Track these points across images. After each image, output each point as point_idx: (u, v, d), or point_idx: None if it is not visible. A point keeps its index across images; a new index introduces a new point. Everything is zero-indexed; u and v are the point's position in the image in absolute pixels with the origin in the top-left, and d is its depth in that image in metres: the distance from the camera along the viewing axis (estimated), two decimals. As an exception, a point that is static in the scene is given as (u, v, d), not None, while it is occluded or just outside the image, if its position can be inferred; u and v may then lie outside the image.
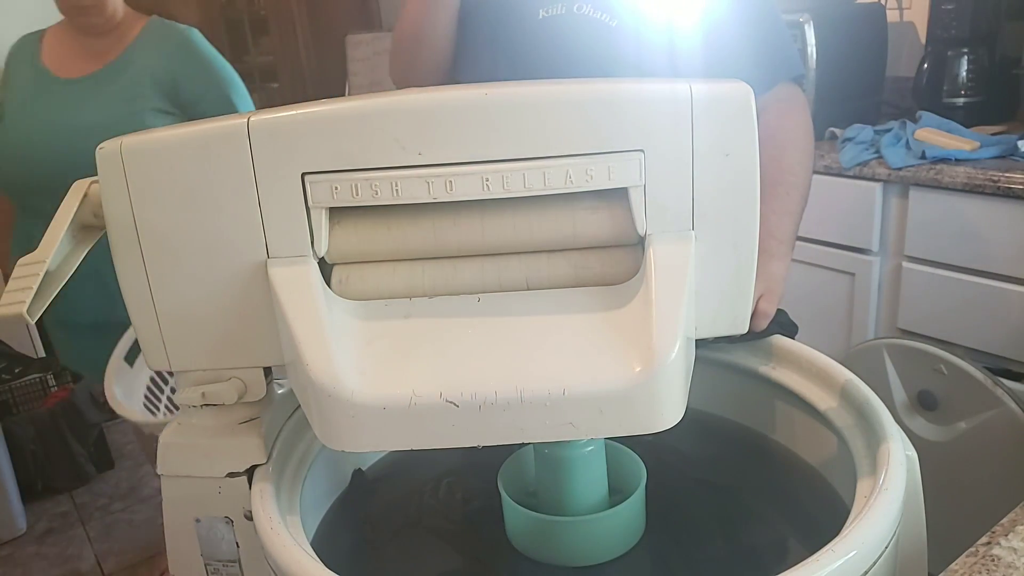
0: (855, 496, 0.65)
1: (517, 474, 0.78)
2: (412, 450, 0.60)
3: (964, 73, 1.81)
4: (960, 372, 1.48)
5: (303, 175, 0.62)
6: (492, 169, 0.61)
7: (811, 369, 0.82)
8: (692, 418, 0.62)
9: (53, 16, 1.61)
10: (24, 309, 0.63)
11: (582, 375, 0.58)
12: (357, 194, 0.62)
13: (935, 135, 1.64)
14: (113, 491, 2.34)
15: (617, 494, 0.74)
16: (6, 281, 0.67)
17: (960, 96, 1.82)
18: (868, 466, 0.68)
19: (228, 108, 1.57)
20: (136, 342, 1.60)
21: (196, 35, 1.61)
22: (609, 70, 0.95)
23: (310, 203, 0.63)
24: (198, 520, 0.74)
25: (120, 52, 1.57)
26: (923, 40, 2.00)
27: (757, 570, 0.74)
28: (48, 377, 2.43)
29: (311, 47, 4.08)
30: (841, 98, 1.89)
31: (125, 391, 1.51)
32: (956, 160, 1.57)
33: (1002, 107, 1.80)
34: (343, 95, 0.80)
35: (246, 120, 0.62)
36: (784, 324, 0.91)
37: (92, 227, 0.70)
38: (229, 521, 0.73)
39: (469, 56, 1.06)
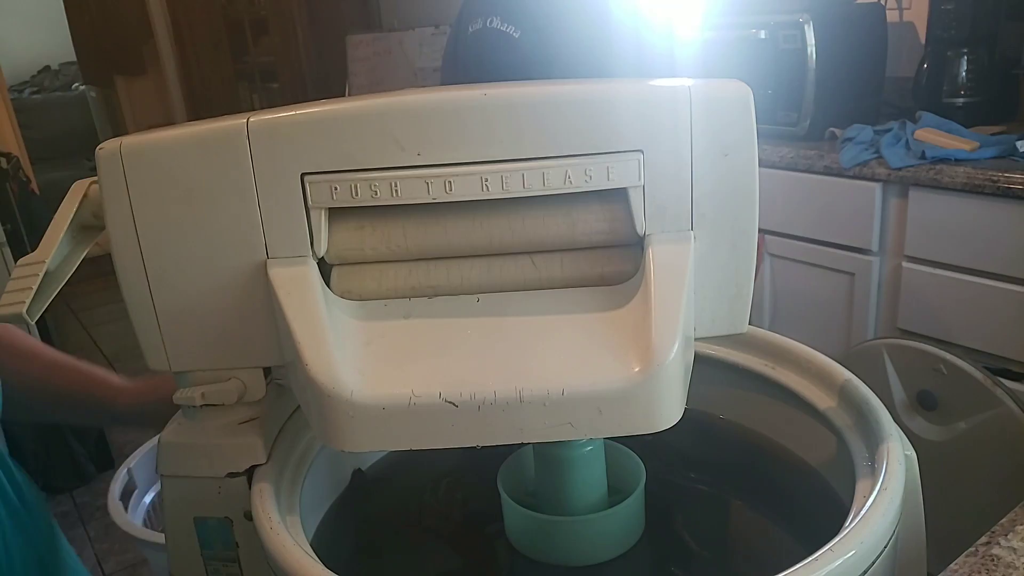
0: (854, 496, 0.65)
1: (517, 474, 0.78)
2: (412, 450, 0.60)
3: (964, 73, 1.81)
4: (960, 372, 1.48)
5: (302, 175, 0.62)
6: (491, 169, 0.61)
7: (811, 369, 0.82)
8: (692, 418, 0.62)
9: (53, 15, 1.59)
10: (24, 310, 0.63)
11: (581, 375, 0.58)
12: (356, 194, 0.62)
13: (935, 135, 1.64)
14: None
15: (617, 494, 0.74)
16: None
17: (960, 96, 1.82)
18: (867, 466, 0.68)
19: None
20: (125, 488, 1.63)
21: None
22: (516, 75, 1.02)
23: (309, 203, 0.63)
24: (198, 520, 0.75)
25: None
26: (923, 40, 2.00)
27: (756, 570, 0.74)
28: (48, 377, 2.43)
29: (311, 47, 4.08)
30: (841, 98, 1.89)
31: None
32: (956, 160, 1.57)
33: (1002, 107, 1.80)
34: (343, 95, 0.80)
35: (245, 120, 0.62)
36: None
37: (92, 227, 0.70)
38: (229, 521, 0.73)
39: (445, 71, 1.15)
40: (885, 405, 0.73)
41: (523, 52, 1.03)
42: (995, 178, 1.48)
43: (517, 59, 1.03)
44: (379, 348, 0.62)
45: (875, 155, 1.69)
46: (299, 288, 0.63)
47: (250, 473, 0.72)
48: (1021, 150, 1.55)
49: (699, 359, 0.66)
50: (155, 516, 1.69)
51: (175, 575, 0.78)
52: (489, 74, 1.04)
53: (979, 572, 0.54)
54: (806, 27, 1.80)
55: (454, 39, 1.13)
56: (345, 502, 0.84)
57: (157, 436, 0.76)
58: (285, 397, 0.78)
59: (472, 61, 1.08)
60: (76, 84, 5.76)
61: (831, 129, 1.87)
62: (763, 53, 1.89)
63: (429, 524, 0.81)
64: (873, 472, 0.66)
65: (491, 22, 1.05)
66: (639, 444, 0.74)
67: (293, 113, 0.63)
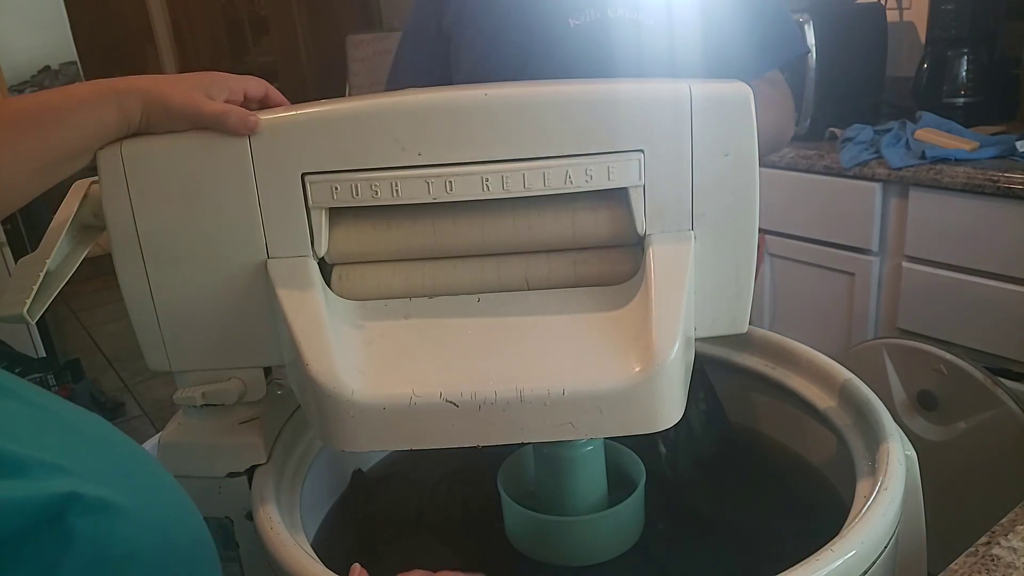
0: (855, 496, 0.65)
1: (517, 474, 0.78)
2: (412, 450, 0.60)
3: (964, 73, 1.81)
4: (960, 372, 1.47)
5: (303, 175, 0.62)
6: (492, 169, 0.61)
7: (811, 369, 0.82)
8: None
9: (53, 15, 1.58)
10: (24, 309, 0.63)
11: (582, 375, 0.58)
12: (357, 194, 0.62)
13: (935, 135, 1.64)
14: (113, 491, 2.34)
15: (616, 494, 0.74)
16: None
17: (960, 96, 1.82)
18: (868, 466, 0.68)
19: None
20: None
21: None
22: (647, 71, 0.93)
23: (310, 203, 0.63)
24: (198, 520, 0.74)
25: None
26: (923, 40, 2.00)
27: (756, 570, 0.74)
28: (49, 377, 2.43)
29: (311, 47, 4.08)
30: (841, 98, 1.88)
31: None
32: (956, 160, 1.56)
33: (1002, 107, 1.80)
34: (343, 95, 0.80)
35: (246, 120, 0.62)
36: None
37: (92, 227, 0.70)
38: (229, 521, 0.73)
39: (501, 71, 1.04)
40: (885, 405, 0.73)
41: (655, 42, 0.94)
42: (995, 178, 1.48)
43: (649, 50, 0.94)
44: (379, 348, 0.62)
45: (875, 155, 1.69)
46: (299, 288, 0.63)
47: (250, 473, 0.72)
48: (1021, 150, 1.55)
49: (699, 359, 0.66)
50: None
51: (175, 575, 0.78)
52: (614, 71, 0.92)
53: (979, 572, 0.54)
54: (806, 27, 1.80)
55: (528, 38, 0.99)
56: (345, 503, 0.84)
57: (158, 435, 0.76)
58: (285, 397, 0.78)
59: (585, 57, 0.96)
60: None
61: (831, 129, 1.86)
62: (763, 53, 1.89)
63: (429, 524, 0.81)
64: (873, 472, 0.66)
65: (612, 11, 0.95)
66: (639, 443, 0.74)
67: (294, 113, 0.63)
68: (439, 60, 1.06)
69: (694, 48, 0.94)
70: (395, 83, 1.11)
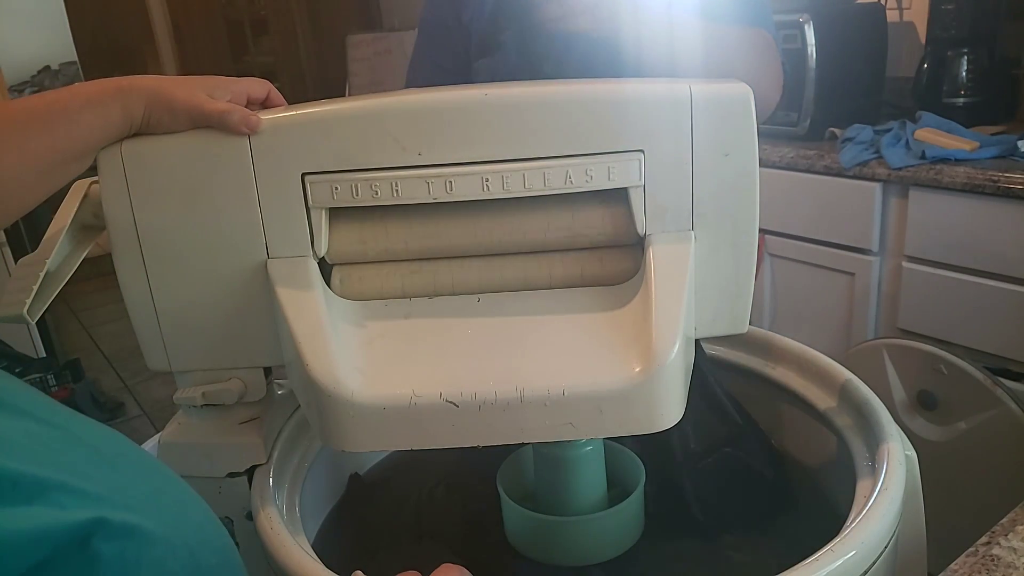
0: (855, 496, 0.65)
1: (516, 474, 0.78)
2: (411, 451, 0.60)
3: (964, 73, 1.81)
4: (960, 372, 1.47)
5: (303, 175, 0.62)
6: (492, 169, 0.61)
7: (811, 369, 0.82)
8: (691, 418, 0.62)
9: (53, 15, 1.58)
10: (24, 310, 0.63)
11: (582, 375, 0.58)
12: (357, 194, 0.62)
13: (935, 135, 1.64)
14: (113, 491, 2.33)
15: (616, 494, 0.74)
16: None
17: (960, 96, 1.82)
18: (867, 466, 0.68)
19: None
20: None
21: None
22: (670, 44, 0.88)
23: (310, 203, 0.63)
24: (198, 520, 0.74)
25: None
26: (923, 40, 2.00)
27: (756, 570, 0.74)
28: (49, 377, 2.43)
29: (311, 47, 4.08)
30: (841, 98, 1.88)
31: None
32: (956, 160, 1.56)
33: (1002, 107, 1.80)
34: (343, 95, 0.80)
35: (246, 120, 0.62)
36: None
37: (92, 227, 0.70)
38: (229, 521, 0.73)
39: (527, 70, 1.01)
40: (885, 405, 0.73)
41: (671, 17, 0.89)
42: (995, 178, 1.48)
43: (667, 27, 0.89)
44: (380, 348, 0.62)
45: (875, 155, 1.69)
46: (299, 288, 0.63)
47: (250, 473, 0.72)
48: (1021, 150, 1.55)
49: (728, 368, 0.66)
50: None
51: (175, 575, 0.78)
52: (642, 51, 0.86)
53: (979, 572, 0.54)
54: (806, 27, 1.80)
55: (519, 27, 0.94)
56: (344, 506, 0.84)
57: (158, 435, 0.76)
58: (285, 397, 0.78)
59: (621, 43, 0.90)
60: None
61: (831, 129, 1.86)
62: (763, 53, 1.88)
63: (428, 526, 0.81)
64: (873, 472, 0.66)
65: None
66: (638, 443, 0.74)
67: (294, 113, 0.63)
68: (460, 56, 1.05)
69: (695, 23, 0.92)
70: (415, 80, 1.09)
